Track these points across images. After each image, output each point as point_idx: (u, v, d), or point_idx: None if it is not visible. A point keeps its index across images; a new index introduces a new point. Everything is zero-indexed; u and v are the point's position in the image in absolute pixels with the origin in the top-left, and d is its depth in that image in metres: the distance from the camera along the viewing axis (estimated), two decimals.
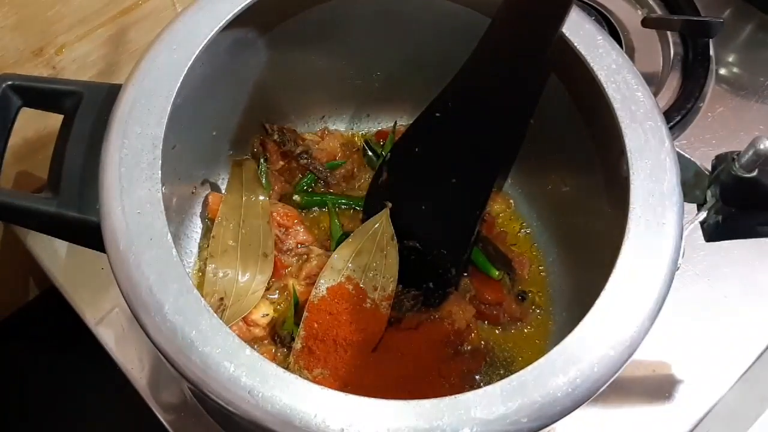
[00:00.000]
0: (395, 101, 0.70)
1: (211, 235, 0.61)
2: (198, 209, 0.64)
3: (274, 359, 0.58)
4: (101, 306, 0.66)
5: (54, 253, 0.69)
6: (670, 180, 0.48)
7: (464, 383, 0.58)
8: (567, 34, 0.52)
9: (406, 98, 0.69)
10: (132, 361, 0.63)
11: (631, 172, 0.48)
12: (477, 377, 0.59)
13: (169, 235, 0.44)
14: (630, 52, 0.80)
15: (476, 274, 0.63)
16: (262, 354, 0.41)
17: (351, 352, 0.56)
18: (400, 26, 0.62)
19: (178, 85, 0.49)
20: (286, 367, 0.50)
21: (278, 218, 0.63)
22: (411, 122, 0.63)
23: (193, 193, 0.63)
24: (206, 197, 0.64)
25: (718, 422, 0.62)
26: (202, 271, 0.62)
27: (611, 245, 0.47)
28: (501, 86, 0.54)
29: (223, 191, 0.65)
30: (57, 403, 0.85)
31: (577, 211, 0.62)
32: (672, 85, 0.78)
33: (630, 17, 0.83)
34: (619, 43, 0.79)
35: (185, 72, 0.49)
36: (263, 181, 0.65)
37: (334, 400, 0.40)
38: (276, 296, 0.62)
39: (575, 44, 0.52)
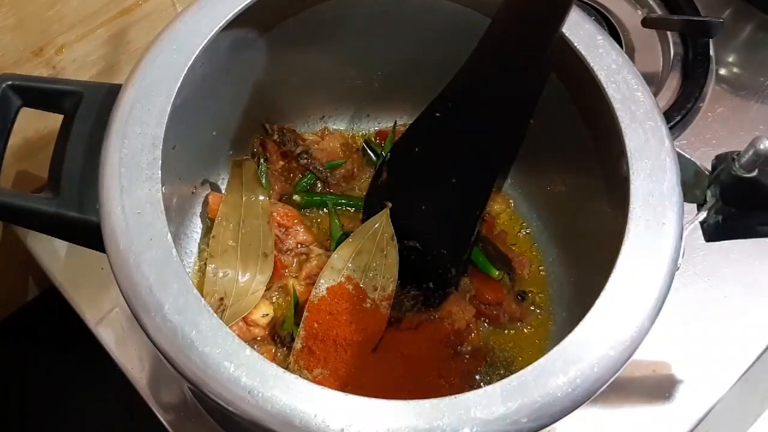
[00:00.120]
0: (395, 101, 0.70)
1: (211, 235, 0.61)
2: (198, 209, 0.64)
3: (274, 359, 0.58)
4: (101, 306, 0.66)
5: (54, 253, 0.69)
6: (670, 180, 0.48)
7: (464, 383, 0.58)
8: (567, 34, 0.52)
9: (406, 98, 0.69)
10: (132, 361, 0.63)
11: (631, 172, 0.48)
12: (477, 377, 0.59)
13: (169, 235, 0.44)
14: (630, 52, 0.80)
15: (476, 274, 0.63)
16: (262, 354, 0.41)
17: (351, 352, 0.56)
18: (400, 26, 0.62)
19: (178, 85, 0.49)
20: (286, 367, 0.50)
21: (278, 218, 0.63)
22: (411, 122, 0.63)
23: (193, 193, 0.63)
24: (206, 197, 0.64)
25: (718, 422, 0.62)
26: (202, 271, 0.62)
27: (611, 245, 0.47)
28: (501, 86, 0.54)
29: (223, 191, 0.65)
30: (57, 403, 0.85)
31: (577, 211, 0.62)
32: (672, 85, 0.78)
33: (630, 17, 0.83)
34: (619, 43, 0.79)
35: (185, 72, 0.49)
36: (263, 181, 0.65)
37: (334, 400, 0.40)
38: (276, 296, 0.62)
39: (575, 44, 0.52)
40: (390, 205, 0.62)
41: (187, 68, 0.50)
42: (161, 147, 0.47)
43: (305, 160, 0.67)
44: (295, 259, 0.63)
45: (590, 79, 0.52)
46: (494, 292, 0.62)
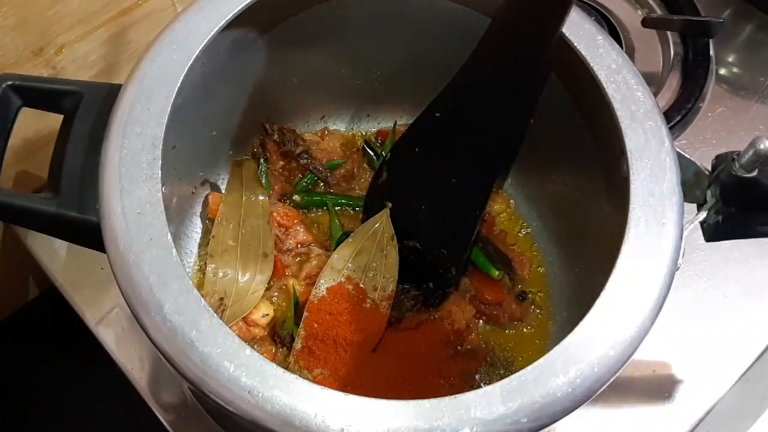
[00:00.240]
0: (395, 101, 0.70)
1: (211, 235, 0.61)
2: (198, 209, 0.64)
3: (274, 359, 0.58)
4: (101, 306, 0.66)
5: (54, 253, 0.69)
6: (670, 180, 0.48)
7: (464, 383, 0.58)
8: (567, 34, 0.52)
9: (406, 98, 0.69)
10: (132, 361, 0.63)
11: (631, 172, 0.48)
12: (477, 377, 0.59)
13: (169, 235, 0.44)
14: (630, 52, 0.80)
15: (476, 274, 0.63)
16: (262, 354, 0.41)
17: (351, 352, 0.56)
18: (400, 26, 0.62)
19: (178, 85, 0.49)
20: (286, 367, 0.50)
21: (278, 218, 0.63)
22: (411, 122, 0.63)
23: (193, 193, 0.63)
24: (206, 197, 0.64)
25: (718, 422, 0.62)
26: (202, 271, 0.62)
27: (611, 245, 0.47)
28: (501, 86, 0.54)
29: (223, 191, 0.65)
30: (57, 403, 0.85)
31: (577, 211, 0.62)
32: (672, 85, 0.78)
33: (630, 17, 0.83)
34: (619, 43, 0.79)
35: (185, 72, 0.49)
36: (263, 181, 0.65)
37: (334, 400, 0.40)
38: (276, 296, 0.62)
39: (575, 44, 0.52)
40: (390, 205, 0.62)
41: (187, 68, 0.50)
42: (161, 147, 0.47)
43: (305, 160, 0.67)
44: (295, 259, 0.63)
45: (590, 79, 0.52)
46: (494, 292, 0.62)
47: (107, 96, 0.51)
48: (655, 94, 0.76)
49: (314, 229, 0.66)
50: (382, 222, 0.62)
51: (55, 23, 0.62)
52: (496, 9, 0.53)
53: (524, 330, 0.62)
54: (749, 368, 0.64)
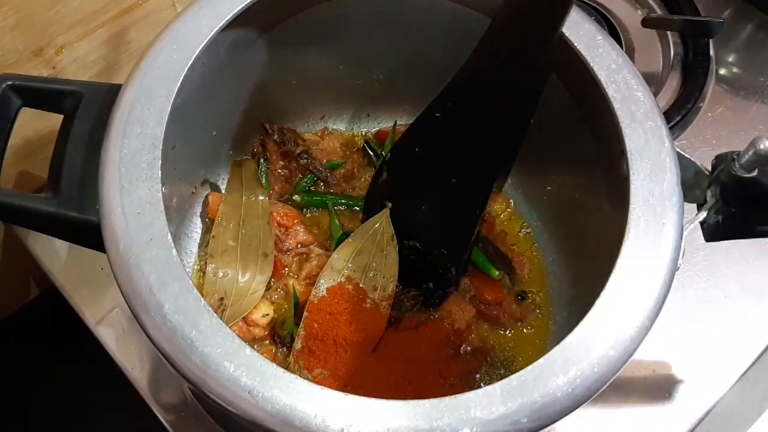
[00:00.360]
0: (395, 101, 0.70)
1: (211, 235, 0.61)
2: (198, 209, 0.64)
3: (274, 359, 0.58)
4: (101, 306, 0.66)
5: (54, 253, 0.69)
6: (670, 180, 0.48)
7: (464, 383, 0.58)
8: (567, 34, 0.52)
9: (406, 98, 0.69)
10: (132, 361, 0.63)
11: (631, 172, 0.48)
12: (477, 377, 0.59)
13: (169, 235, 0.44)
14: (630, 52, 0.80)
15: (476, 274, 0.63)
16: (262, 354, 0.41)
17: (351, 352, 0.56)
18: (400, 26, 0.62)
19: (178, 85, 0.49)
20: (286, 367, 0.50)
21: (278, 218, 0.63)
22: (411, 122, 0.63)
23: (193, 193, 0.63)
24: (206, 197, 0.64)
25: (718, 422, 0.62)
26: (202, 271, 0.62)
27: (611, 245, 0.47)
28: (501, 86, 0.54)
29: (223, 191, 0.65)
30: (57, 403, 0.85)
31: (577, 211, 0.62)
32: (672, 85, 0.78)
33: (630, 17, 0.83)
34: (619, 43, 0.79)
35: (185, 72, 0.49)
36: (263, 181, 0.65)
37: (334, 400, 0.40)
38: (276, 296, 0.62)
39: (575, 44, 0.52)
40: (390, 205, 0.62)
41: (187, 68, 0.50)
42: (161, 147, 0.47)
43: (305, 160, 0.67)
44: (295, 259, 0.63)
45: (590, 79, 0.52)
46: (494, 292, 0.62)
47: (107, 96, 0.51)
48: (655, 94, 0.76)
49: (314, 229, 0.66)
50: (382, 222, 0.62)
51: (55, 23, 0.62)
52: (496, 9, 0.53)
53: (524, 330, 0.62)
54: (749, 368, 0.64)
